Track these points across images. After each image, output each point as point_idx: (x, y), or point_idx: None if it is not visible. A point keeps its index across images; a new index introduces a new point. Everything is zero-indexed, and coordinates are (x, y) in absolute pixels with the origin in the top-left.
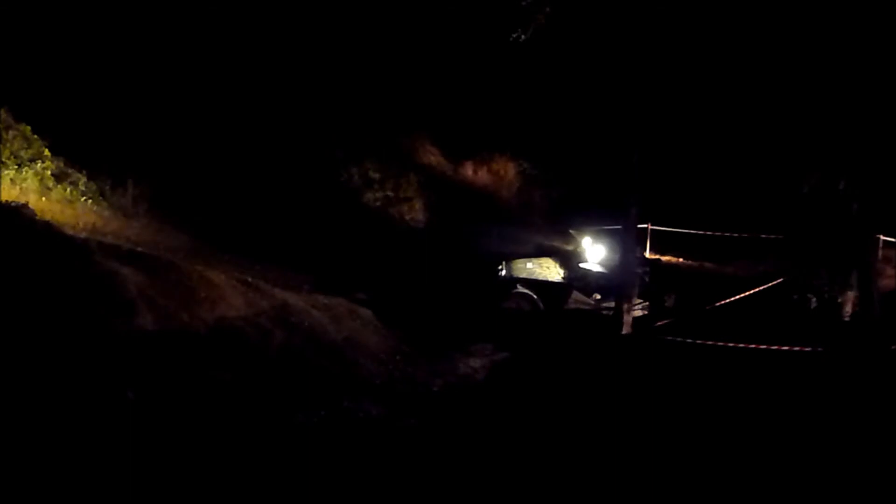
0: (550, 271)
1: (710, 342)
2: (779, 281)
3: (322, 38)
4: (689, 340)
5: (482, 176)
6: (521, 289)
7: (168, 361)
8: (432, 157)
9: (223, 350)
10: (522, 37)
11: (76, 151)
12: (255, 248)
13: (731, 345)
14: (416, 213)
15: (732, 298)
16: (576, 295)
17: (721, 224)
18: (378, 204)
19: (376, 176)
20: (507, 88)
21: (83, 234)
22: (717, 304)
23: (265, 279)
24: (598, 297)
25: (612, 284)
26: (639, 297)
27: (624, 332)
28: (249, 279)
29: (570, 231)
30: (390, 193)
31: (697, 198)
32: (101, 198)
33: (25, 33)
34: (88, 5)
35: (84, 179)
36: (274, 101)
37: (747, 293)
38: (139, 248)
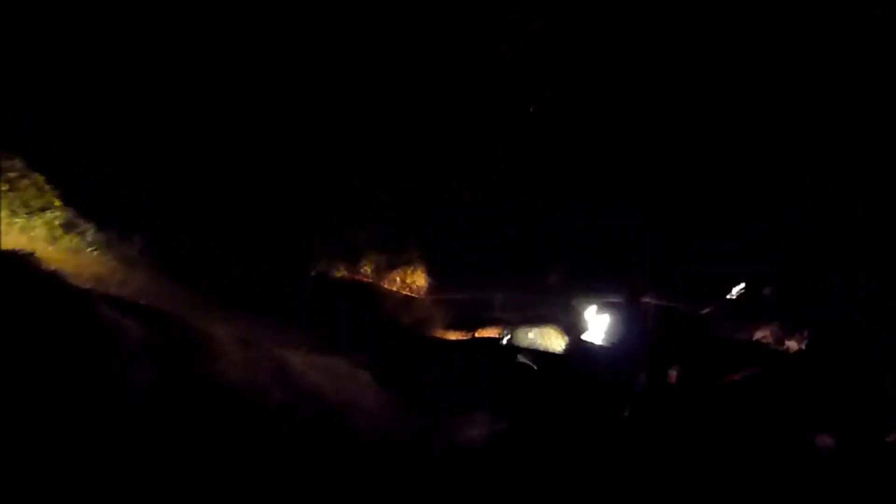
0: (552, 342)
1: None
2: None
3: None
4: (692, 425)
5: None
6: (521, 358)
7: (166, 416)
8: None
9: (221, 407)
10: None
11: (86, 202)
12: (255, 305)
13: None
14: (416, 277)
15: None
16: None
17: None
18: (378, 266)
19: (376, 237)
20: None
21: (88, 285)
22: (728, 379)
23: (264, 337)
24: (600, 371)
25: (615, 358)
26: (643, 371)
27: (626, 412)
28: (249, 337)
29: (573, 301)
30: (392, 257)
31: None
32: (107, 249)
33: (43, 83)
34: (109, 58)
35: (92, 230)
36: (270, 160)
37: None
38: (142, 301)
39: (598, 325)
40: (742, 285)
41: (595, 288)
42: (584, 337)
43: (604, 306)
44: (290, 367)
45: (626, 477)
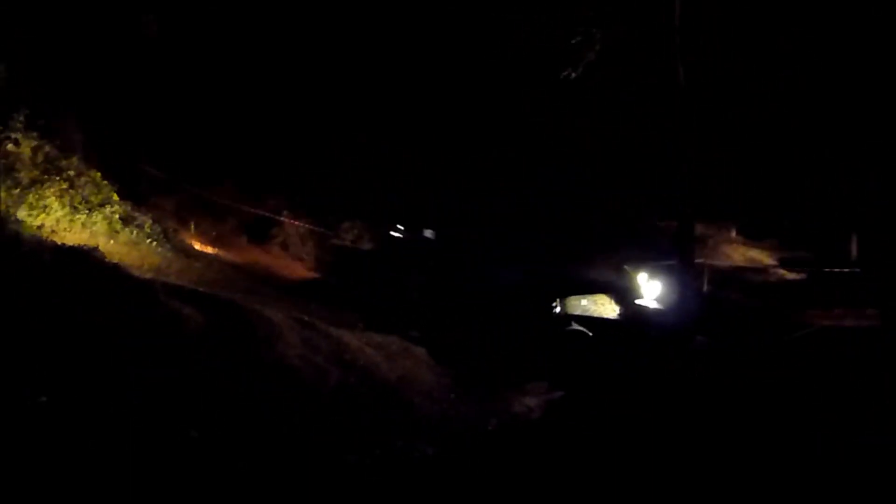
0: (605, 308)
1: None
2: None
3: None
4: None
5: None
6: (575, 326)
7: (229, 400)
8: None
9: (281, 389)
10: (573, 74)
11: (142, 196)
12: (309, 288)
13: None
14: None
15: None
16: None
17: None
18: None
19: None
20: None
21: (148, 275)
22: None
23: (320, 318)
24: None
25: (669, 322)
26: (696, 335)
27: (682, 371)
28: (306, 318)
29: (625, 267)
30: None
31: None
32: (164, 239)
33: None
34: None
35: (149, 222)
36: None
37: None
38: (200, 289)
39: (650, 289)
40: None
41: (645, 252)
42: (637, 302)
43: (655, 270)
44: (346, 346)
45: (686, 441)
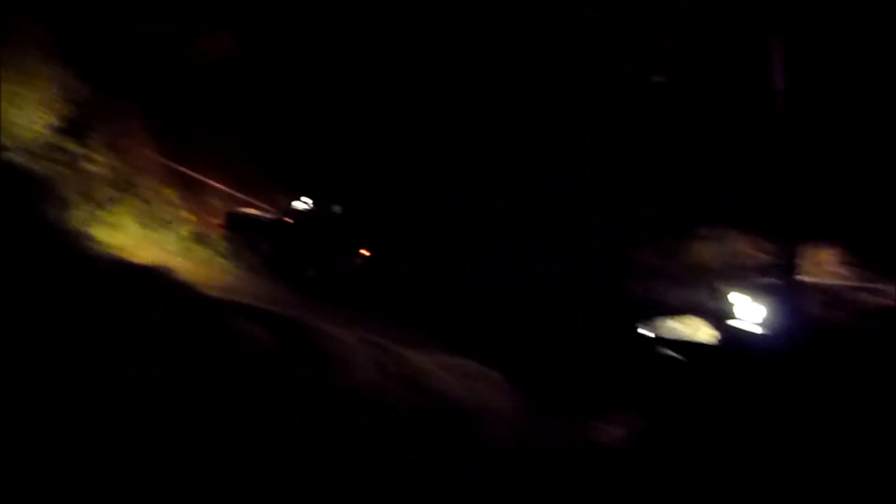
0: (698, 331)
1: None
2: None
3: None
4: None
5: None
6: (665, 350)
7: (302, 427)
8: None
9: (354, 415)
10: (663, 80)
11: (214, 213)
12: (379, 306)
13: None
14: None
15: None
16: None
17: None
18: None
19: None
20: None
21: (217, 294)
22: None
23: (391, 338)
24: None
25: (773, 348)
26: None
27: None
28: (377, 339)
29: (719, 285)
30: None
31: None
32: (235, 257)
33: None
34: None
35: (220, 240)
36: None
37: None
38: (270, 308)
39: (749, 310)
40: None
41: (742, 270)
42: (735, 324)
43: (754, 289)
44: (419, 369)
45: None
